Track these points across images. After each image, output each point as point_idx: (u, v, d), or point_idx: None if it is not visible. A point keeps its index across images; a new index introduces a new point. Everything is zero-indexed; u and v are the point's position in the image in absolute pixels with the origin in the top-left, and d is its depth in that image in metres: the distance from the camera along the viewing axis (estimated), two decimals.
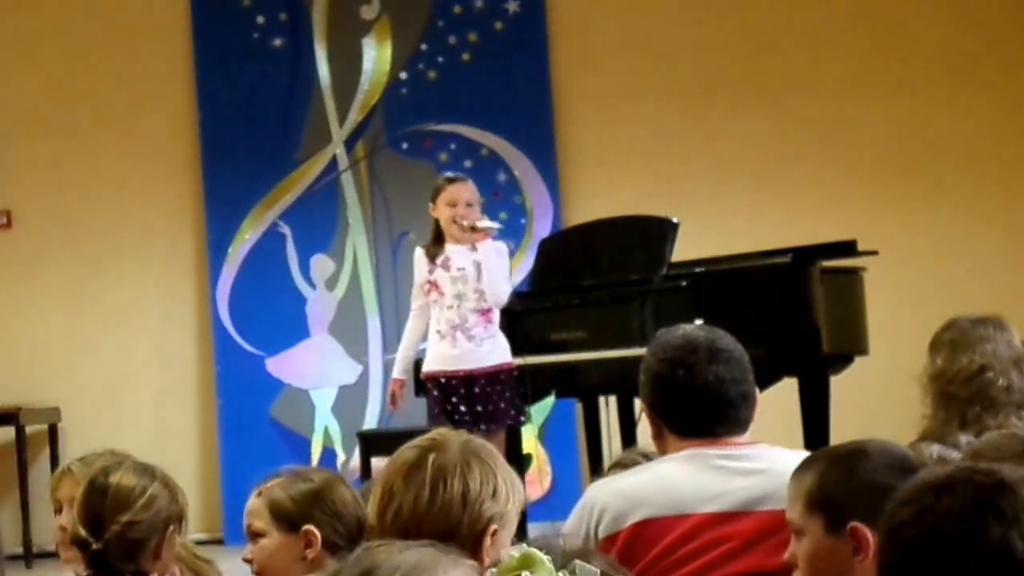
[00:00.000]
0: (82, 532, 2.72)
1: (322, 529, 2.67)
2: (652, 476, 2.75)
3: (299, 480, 2.76)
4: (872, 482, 2.23)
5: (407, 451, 2.25)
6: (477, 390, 5.61)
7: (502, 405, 5.59)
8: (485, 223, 5.63)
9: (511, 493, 2.21)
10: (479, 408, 5.56)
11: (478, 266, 5.61)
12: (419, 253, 5.79)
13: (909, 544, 1.69)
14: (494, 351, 5.66)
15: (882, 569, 1.74)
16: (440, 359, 5.66)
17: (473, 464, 2.20)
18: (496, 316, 5.71)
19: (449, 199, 5.67)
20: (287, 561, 2.70)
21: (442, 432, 2.29)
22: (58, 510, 3.17)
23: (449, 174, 5.88)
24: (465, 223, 5.60)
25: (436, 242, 5.75)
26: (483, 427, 5.37)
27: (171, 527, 2.74)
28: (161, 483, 2.76)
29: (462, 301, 5.64)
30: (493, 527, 2.18)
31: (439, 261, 5.69)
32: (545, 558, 1.84)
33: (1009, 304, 4.75)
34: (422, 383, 5.79)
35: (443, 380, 5.62)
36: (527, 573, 1.81)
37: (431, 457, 2.20)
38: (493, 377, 5.63)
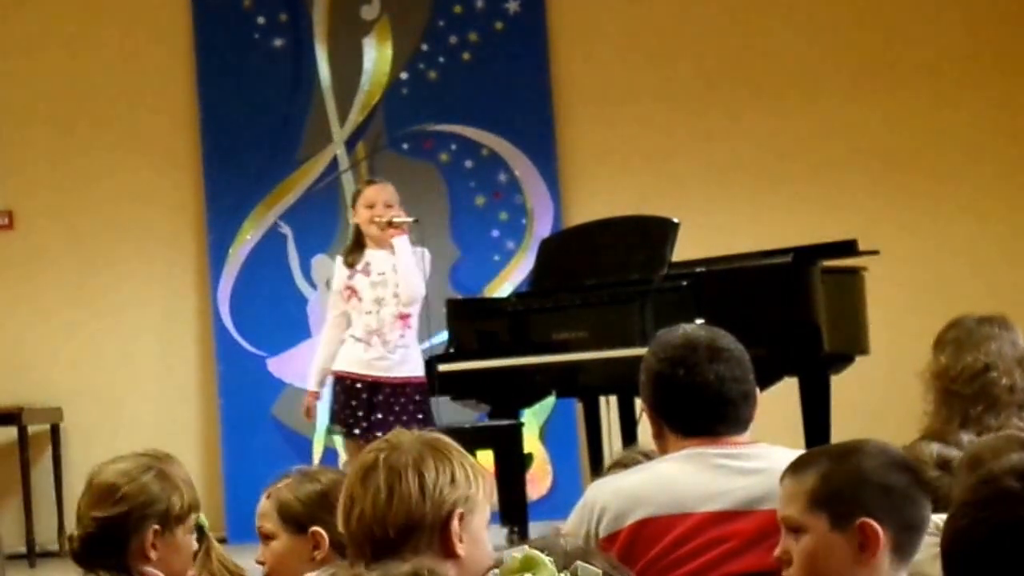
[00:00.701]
0: (75, 530, 2.74)
1: (329, 530, 2.67)
2: (652, 475, 2.75)
3: (307, 481, 2.76)
4: (878, 480, 2.24)
5: (364, 455, 2.28)
6: (380, 398, 5.62)
7: (404, 418, 5.54)
8: (401, 218, 5.64)
9: (472, 478, 2.22)
10: (378, 416, 5.56)
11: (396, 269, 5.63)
12: (338, 261, 5.81)
13: (976, 545, 1.70)
14: (405, 362, 5.66)
15: (948, 563, 1.74)
16: (351, 362, 5.68)
17: (426, 455, 2.21)
18: (414, 324, 5.69)
19: (367, 201, 5.68)
20: (296, 562, 2.71)
21: (396, 433, 2.31)
22: None
23: (369, 178, 5.90)
24: (382, 220, 5.61)
25: (356, 248, 5.75)
26: (379, 435, 5.36)
27: (153, 527, 2.69)
28: (156, 481, 2.72)
29: (381, 306, 5.65)
30: (459, 511, 2.19)
31: (359, 267, 5.70)
32: (547, 559, 1.85)
33: (1011, 304, 4.76)
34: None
35: (348, 382, 5.64)
36: (529, 575, 1.81)
37: (382, 457, 2.22)
38: (399, 389, 5.63)
